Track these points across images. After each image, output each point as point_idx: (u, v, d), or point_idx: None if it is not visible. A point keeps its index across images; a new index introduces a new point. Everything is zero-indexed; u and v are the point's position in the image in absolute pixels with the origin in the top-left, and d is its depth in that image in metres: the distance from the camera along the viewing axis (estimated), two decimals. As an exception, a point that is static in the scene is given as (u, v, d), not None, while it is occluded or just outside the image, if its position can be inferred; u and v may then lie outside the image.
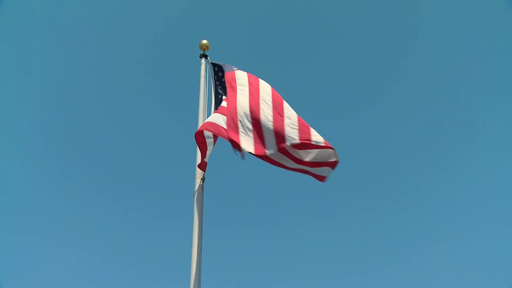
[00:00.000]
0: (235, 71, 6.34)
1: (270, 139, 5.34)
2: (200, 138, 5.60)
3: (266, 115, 5.53)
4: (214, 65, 6.99)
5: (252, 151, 5.23)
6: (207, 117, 6.15)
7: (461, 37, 18.38)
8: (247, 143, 5.28)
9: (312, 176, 5.62)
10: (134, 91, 19.22)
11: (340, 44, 20.34)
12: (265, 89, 5.92)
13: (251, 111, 5.57)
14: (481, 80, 17.72)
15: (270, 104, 5.70)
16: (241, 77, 6.18)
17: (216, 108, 6.39)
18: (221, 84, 6.61)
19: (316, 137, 5.30)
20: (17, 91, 16.99)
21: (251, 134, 5.39)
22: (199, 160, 5.77)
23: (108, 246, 16.03)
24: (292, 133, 5.32)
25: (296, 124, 5.43)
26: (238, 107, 5.63)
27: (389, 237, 16.69)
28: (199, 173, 5.78)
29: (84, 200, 16.90)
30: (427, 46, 18.93)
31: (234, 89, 5.99)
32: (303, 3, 20.10)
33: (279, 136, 5.33)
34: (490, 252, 14.74)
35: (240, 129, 5.41)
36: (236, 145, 5.20)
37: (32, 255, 14.70)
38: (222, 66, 6.74)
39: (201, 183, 5.68)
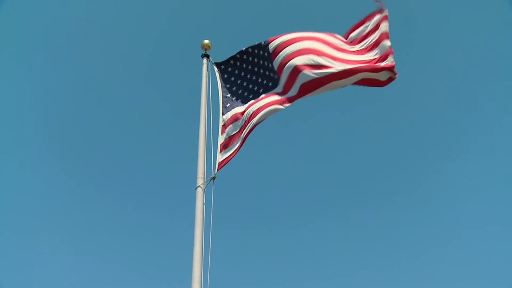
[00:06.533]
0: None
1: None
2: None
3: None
4: (217, 64, 6.95)
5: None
6: (208, 117, 6.23)
7: (461, 37, 18.40)
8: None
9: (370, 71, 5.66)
10: (135, 90, 19.23)
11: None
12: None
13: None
14: (481, 80, 17.74)
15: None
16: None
17: (224, 106, 6.41)
18: (228, 83, 6.61)
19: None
20: (17, 90, 17.00)
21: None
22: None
23: (109, 246, 16.03)
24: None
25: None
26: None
27: (390, 237, 16.73)
28: (200, 172, 5.77)
29: (84, 199, 16.91)
30: (427, 46, 18.95)
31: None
32: (303, 3, 20.13)
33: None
34: (490, 252, 14.78)
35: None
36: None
37: (32, 255, 14.70)
38: (227, 64, 6.74)
39: (202, 182, 5.68)
